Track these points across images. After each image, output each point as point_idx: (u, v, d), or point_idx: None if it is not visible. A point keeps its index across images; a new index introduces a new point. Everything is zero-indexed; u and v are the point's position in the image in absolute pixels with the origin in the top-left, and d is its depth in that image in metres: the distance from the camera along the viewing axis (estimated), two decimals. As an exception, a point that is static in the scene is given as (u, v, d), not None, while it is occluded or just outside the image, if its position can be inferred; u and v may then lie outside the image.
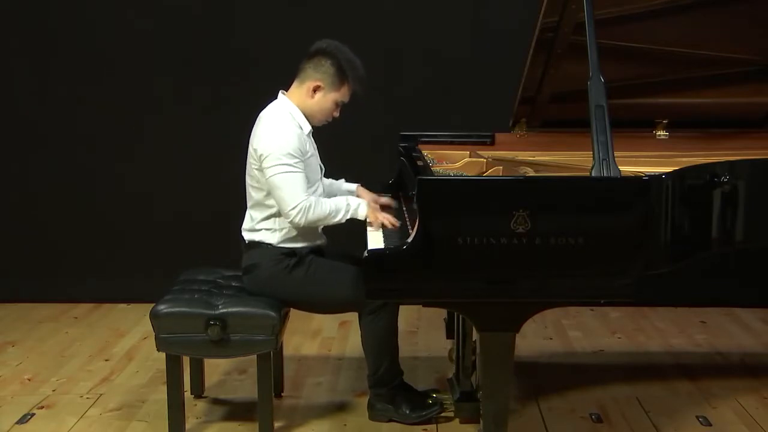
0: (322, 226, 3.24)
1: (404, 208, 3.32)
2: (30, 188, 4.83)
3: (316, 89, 3.17)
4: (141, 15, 4.66)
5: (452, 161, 3.62)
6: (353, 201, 3.17)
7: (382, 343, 3.20)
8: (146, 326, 3.72)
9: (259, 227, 3.19)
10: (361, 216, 3.15)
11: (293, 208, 3.05)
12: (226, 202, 4.04)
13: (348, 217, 3.15)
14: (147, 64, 4.70)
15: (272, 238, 3.18)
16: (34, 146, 4.79)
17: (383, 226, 3.11)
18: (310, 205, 3.06)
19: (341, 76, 3.15)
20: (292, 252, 3.16)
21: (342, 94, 3.19)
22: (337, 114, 3.25)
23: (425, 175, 2.96)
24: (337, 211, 3.12)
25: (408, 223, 3.10)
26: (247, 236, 3.24)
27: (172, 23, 4.67)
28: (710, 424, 3.30)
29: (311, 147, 3.22)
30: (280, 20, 4.62)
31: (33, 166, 4.80)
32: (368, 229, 3.12)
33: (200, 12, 4.67)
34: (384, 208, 3.32)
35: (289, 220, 3.08)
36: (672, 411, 3.41)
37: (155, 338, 3.09)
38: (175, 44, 4.68)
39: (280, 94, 3.24)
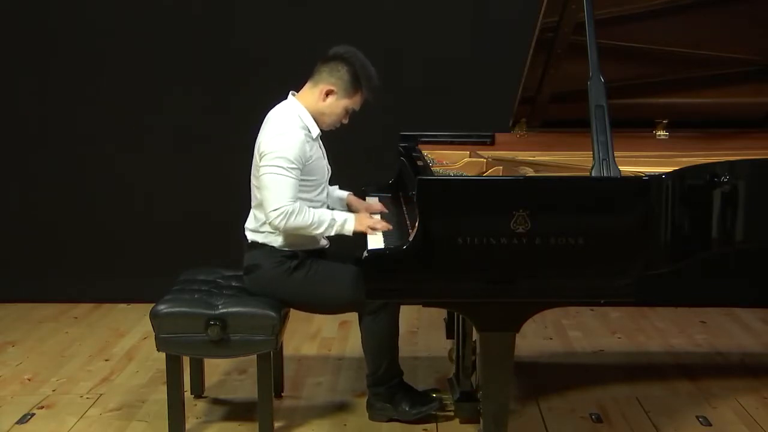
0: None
1: (404, 209, 3.32)
2: (30, 188, 4.83)
3: (328, 93, 3.15)
4: (141, 15, 4.66)
5: (452, 161, 3.62)
6: (339, 216, 3.10)
7: (381, 344, 3.20)
8: (146, 326, 3.72)
9: (263, 229, 3.18)
10: (348, 232, 3.08)
11: (274, 210, 3.02)
12: (226, 202, 4.05)
13: (333, 232, 3.09)
14: (147, 64, 4.70)
15: (276, 240, 3.17)
16: (34, 146, 4.79)
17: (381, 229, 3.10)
18: (292, 211, 3.02)
19: (355, 83, 3.14)
20: (294, 254, 3.16)
21: (354, 102, 3.18)
22: (345, 120, 3.24)
23: (425, 175, 2.96)
24: (320, 224, 3.06)
25: (408, 223, 3.10)
26: (250, 236, 3.24)
27: (172, 23, 4.66)
28: (710, 424, 3.30)
29: (318, 150, 3.21)
30: (281, 21, 4.62)
31: (33, 166, 4.80)
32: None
33: (200, 12, 4.67)
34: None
35: (269, 221, 3.05)
36: (672, 411, 3.41)
37: (155, 338, 3.09)
38: (176, 44, 4.68)
39: (290, 95, 3.22)
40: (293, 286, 3.15)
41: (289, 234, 3.14)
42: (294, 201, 3.04)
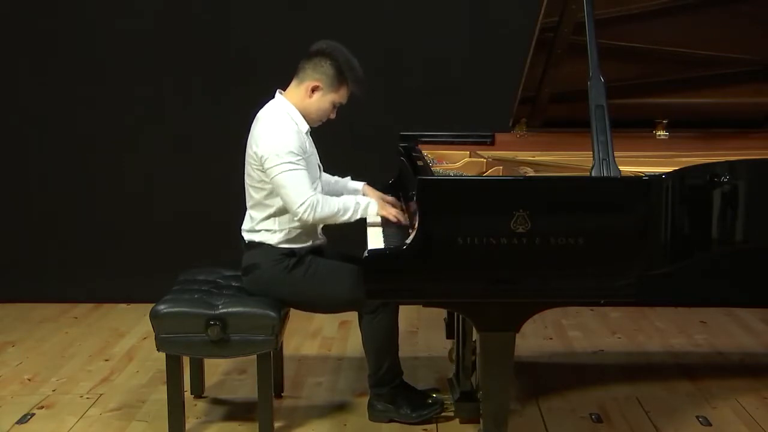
0: (322, 226, 3.24)
1: (404, 209, 3.31)
2: (30, 188, 4.83)
3: (314, 89, 3.17)
4: (141, 15, 4.66)
5: (452, 161, 3.62)
6: (362, 200, 3.16)
7: (382, 343, 3.20)
8: (146, 326, 3.72)
9: (259, 228, 3.19)
10: (371, 214, 3.14)
11: (301, 205, 3.04)
12: (226, 202, 4.04)
13: (358, 216, 3.13)
14: (147, 64, 4.70)
15: (272, 238, 3.18)
16: (34, 146, 4.79)
17: (396, 222, 3.11)
18: (317, 202, 3.05)
19: (340, 77, 3.16)
20: (291, 252, 3.16)
21: (340, 96, 3.20)
22: (333, 115, 3.25)
23: (425, 175, 2.96)
24: (346, 210, 3.11)
25: (408, 223, 3.10)
26: (247, 236, 3.25)
27: (172, 24, 4.67)
28: (710, 424, 3.30)
29: (310, 146, 3.22)
30: (281, 22, 4.62)
31: (33, 166, 4.81)
32: (368, 228, 3.12)
33: (201, 13, 4.67)
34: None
35: (297, 217, 3.07)
36: (672, 411, 3.41)
37: (155, 338, 3.09)
38: (176, 44, 4.68)
39: (277, 93, 3.24)
40: (292, 285, 3.16)
41: (287, 231, 3.15)
42: (314, 191, 3.06)
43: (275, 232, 3.17)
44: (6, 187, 4.82)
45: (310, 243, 3.22)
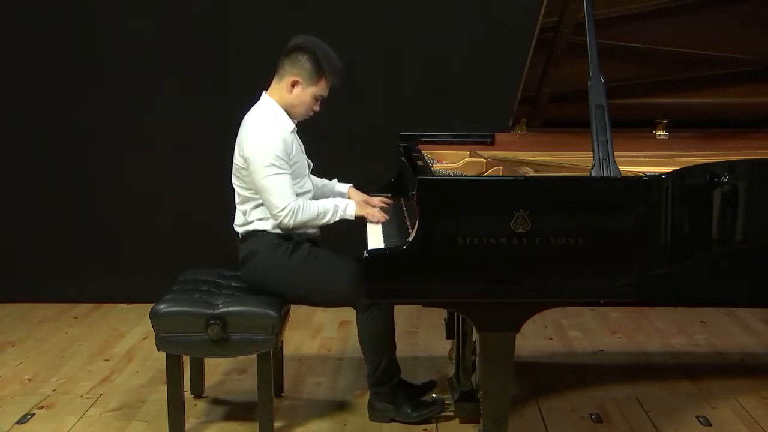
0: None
1: (404, 208, 3.32)
2: (30, 188, 4.83)
3: (294, 84, 3.19)
4: (141, 15, 4.67)
5: (452, 161, 3.62)
6: (341, 202, 3.21)
7: (379, 341, 3.19)
8: (146, 326, 3.73)
9: (251, 218, 3.22)
10: (350, 216, 3.20)
11: (282, 210, 3.09)
12: (226, 202, 4.03)
13: (337, 218, 3.19)
14: (147, 65, 4.70)
15: (265, 224, 3.20)
16: (34, 146, 4.79)
17: (379, 220, 3.16)
18: (298, 207, 3.10)
19: (318, 70, 3.18)
20: (287, 236, 3.19)
21: (320, 88, 3.22)
22: (317, 108, 3.27)
23: (425, 175, 2.96)
24: (326, 213, 3.16)
25: (408, 223, 3.10)
26: (241, 230, 3.27)
27: (172, 24, 4.67)
28: (710, 424, 3.30)
29: (297, 145, 3.24)
30: (281, 22, 4.62)
31: (33, 166, 4.81)
32: (368, 226, 3.14)
33: (201, 13, 4.67)
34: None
35: (278, 221, 3.12)
36: (672, 411, 3.41)
37: (155, 338, 3.09)
38: (176, 46, 4.68)
39: (262, 94, 3.27)
40: (291, 272, 3.16)
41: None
42: (296, 196, 3.10)
43: (267, 219, 3.19)
44: (6, 187, 4.82)
45: (303, 230, 3.22)
